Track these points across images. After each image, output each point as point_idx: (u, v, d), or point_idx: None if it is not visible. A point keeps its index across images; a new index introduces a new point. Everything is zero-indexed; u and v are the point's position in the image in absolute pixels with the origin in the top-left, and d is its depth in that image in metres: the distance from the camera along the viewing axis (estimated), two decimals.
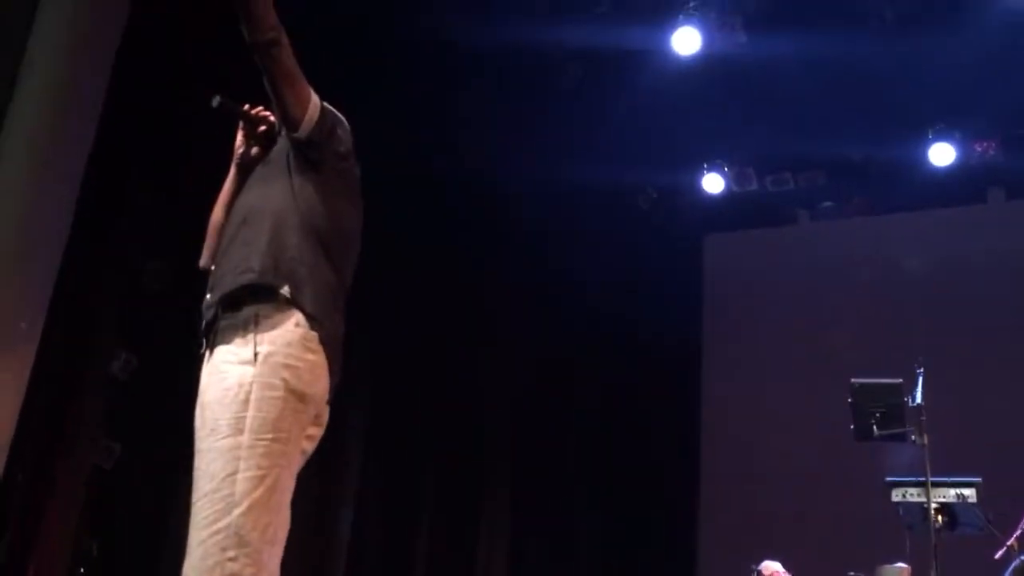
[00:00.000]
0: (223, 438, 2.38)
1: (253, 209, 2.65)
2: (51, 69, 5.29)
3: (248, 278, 2.53)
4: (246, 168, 2.86)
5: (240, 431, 2.37)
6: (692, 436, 9.52)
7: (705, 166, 9.10)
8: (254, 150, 2.88)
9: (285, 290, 2.51)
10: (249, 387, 2.41)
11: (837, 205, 9.45)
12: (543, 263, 8.75)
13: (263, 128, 2.87)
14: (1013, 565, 5.22)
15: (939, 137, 8.35)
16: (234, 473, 2.34)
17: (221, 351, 2.51)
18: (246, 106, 2.89)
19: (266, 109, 2.85)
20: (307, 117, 2.61)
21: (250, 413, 2.39)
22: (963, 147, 8.38)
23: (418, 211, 7.57)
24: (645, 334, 9.14)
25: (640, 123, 8.09)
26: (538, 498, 8.77)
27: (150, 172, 6.02)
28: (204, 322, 2.63)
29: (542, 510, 8.78)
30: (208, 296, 2.65)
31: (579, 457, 9.15)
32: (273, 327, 2.48)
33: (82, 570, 5.71)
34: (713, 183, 9.15)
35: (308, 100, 2.62)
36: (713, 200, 9.30)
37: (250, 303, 2.52)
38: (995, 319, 8.59)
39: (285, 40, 2.56)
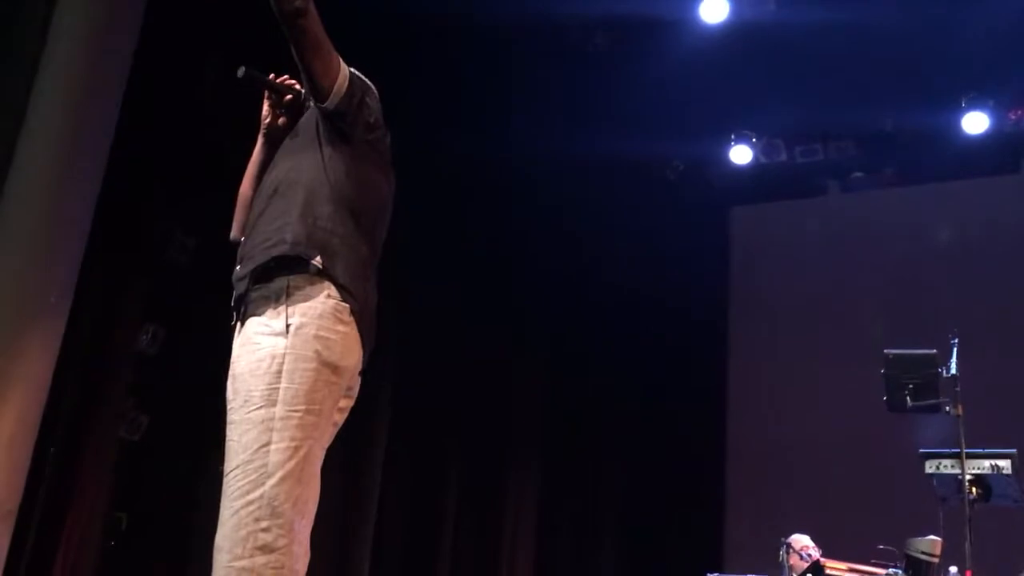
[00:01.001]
0: (256, 409, 2.36)
1: (284, 181, 2.62)
2: (81, 34, 5.27)
3: (280, 250, 2.50)
4: (273, 139, 2.84)
5: (273, 403, 2.35)
6: (719, 409, 9.48)
7: (733, 137, 8.99)
8: (281, 120, 2.84)
9: (317, 261, 2.48)
10: (282, 359, 2.39)
11: (867, 176, 9.33)
12: (568, 235, 8.70)
13: (289, 97, 2.83)
14: None
15: (972, 106, 8.22)
16: (267, 444, 2.32)
17: (252, 323, 2.49)
18: (271, 75, 2.86)
19: (292, 79, 2.82)
20: (336, 87, 2.56)
21: (283, 384, 2.37)
22: (996, 116, 8.25)
23: (442, 182, 7.52)
24: (671, 306, 9.09)
25: (667, 93, 7.99)
26: (566, 470, 8.77)
27: (178, 145, 6.00)
28: (235, 294, 2.61)
29: (570, 482, 8.79)
30: (239, 268, 2.62)
31: (605, 431, 9.13)
32: (305, 299, 2.45)
33: (112, 543, 5.75)
34: (741, 154, 9.05)
35: (337, 70, 2.57)
36: (741, 171, 9.21)
37: (281, 275, 2.49)
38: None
39: (312, 9, 2.51)
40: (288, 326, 2.42)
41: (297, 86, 2.82)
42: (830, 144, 8.82)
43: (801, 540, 6.10)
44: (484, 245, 8.07)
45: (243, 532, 2.27)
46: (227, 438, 2.40)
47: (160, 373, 5.99)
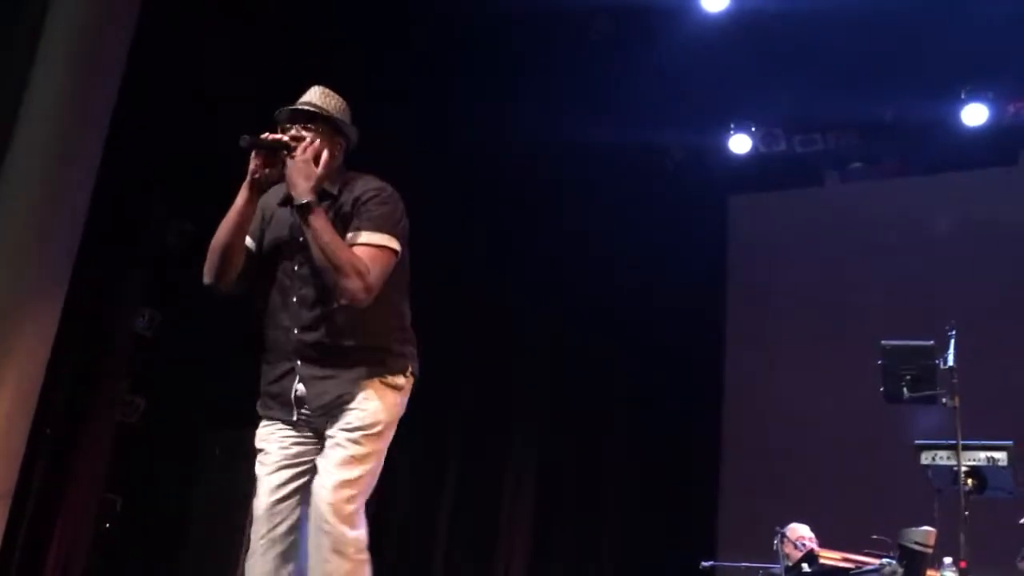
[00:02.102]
0: None
1: None
2: (80, 21, 5.24)
3: None
4: (261, 189, 3.03)
5: None
6: (715, 398, 9.49)
7: (732, 126, 8.98)
8: (268, 172, 3.01)
9: None
10: None
11: (866, 166, 9.32)
12: (566, 223, 8.69)
13: (283, 153, 2.98)
14: None
15: (972, 97, 8.21)
16: None
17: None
18: (266, 135, 2.99)
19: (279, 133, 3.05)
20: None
21: None
22: (996, 107, 8.24)
23: (440, 170, 7.50)
24: (668, 295, 9.08)
25: (667, 81, 7.97)
26: (562, 459, 8.78)
27: (174, 130, 5.98)
28: None
29: (567, 470, 8.80)
30: None
31: (601, 419, 9.13)
32: None
33: (107, 525, 5.76)
34: (740, 143, 9.04)
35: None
36: (739, 161, 9.19)
37: None
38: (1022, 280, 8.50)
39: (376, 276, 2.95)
40: None
41: (286, 139, 2.99)
42: (829, 134, 8.81)
43: (798, 530, 6.12)
44: (481, 232, 8.04)
45: None
46: None
47: (156, 357, 6.00)
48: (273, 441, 3.10)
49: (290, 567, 2.99)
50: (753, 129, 8.93)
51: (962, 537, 4.11)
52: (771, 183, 9.65)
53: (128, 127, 5.56)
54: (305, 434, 3.09)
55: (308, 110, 3.08)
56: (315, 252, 2.90)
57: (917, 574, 4.91)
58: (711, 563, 6.72)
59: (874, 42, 7.58)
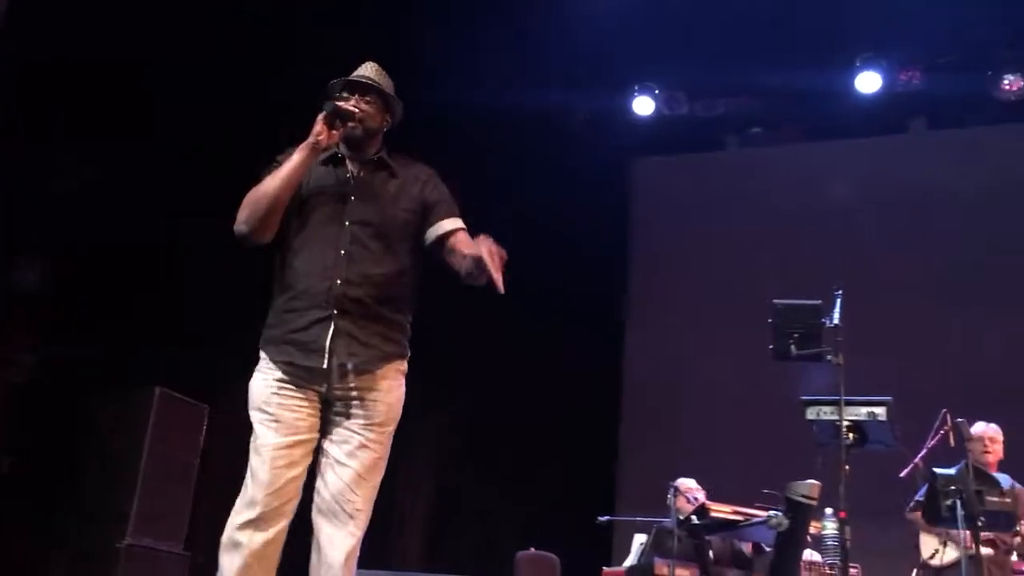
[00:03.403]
0: None
1: None
2: None
3: None
4: (319, 152, 3.14)
5: None
6: (615, 358, 9.64)
7: (636, 88, 9.04)
8: (333, 137, 3.14)
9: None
10: None
11: (766, 131, 9.51)
12: (469, 183, 8.65)
13: (345, 122, 3.14)
14: (923, 489, 5.39)
15: (867, 65, 8.41)
16: None
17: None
18: (341, 103, 3.15)
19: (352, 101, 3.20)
20: None
21: None
22: (889, 76, 8.45)
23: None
24: (571, 256, 9.15)
25: (570, 43, 7.97)
26: (460, 414, 8.82)
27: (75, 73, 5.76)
28: None
29: (464, 426, 8.84)
30: None
31: (501, 377, 9.17)
32: None
33: None
34: (643, 105, 9.12)
35: None
36: (643, 124, 9.27)
37: None
38: (911, 245, 8.82)
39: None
40: None
41: (354, 109, 3.17)
42: (730, 99, 8.95)
43: (688, 483, 6.28)
44: None
45: None
46: None
47: (47, 313, 5.82)
48: (285, 409, 2.99)
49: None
50: (656, 92, 9.00)
51: (842, 489, 4.26)
52: (675, 147, 9.78)
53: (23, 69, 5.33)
54: (312, 401, 3.03)
55: (366, 83, 3.27)
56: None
57: (802, 525, 5.10)
58: (607, 518, 6.85)
59: (775, 9, 7.70)
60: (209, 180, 6.44)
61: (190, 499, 5.94)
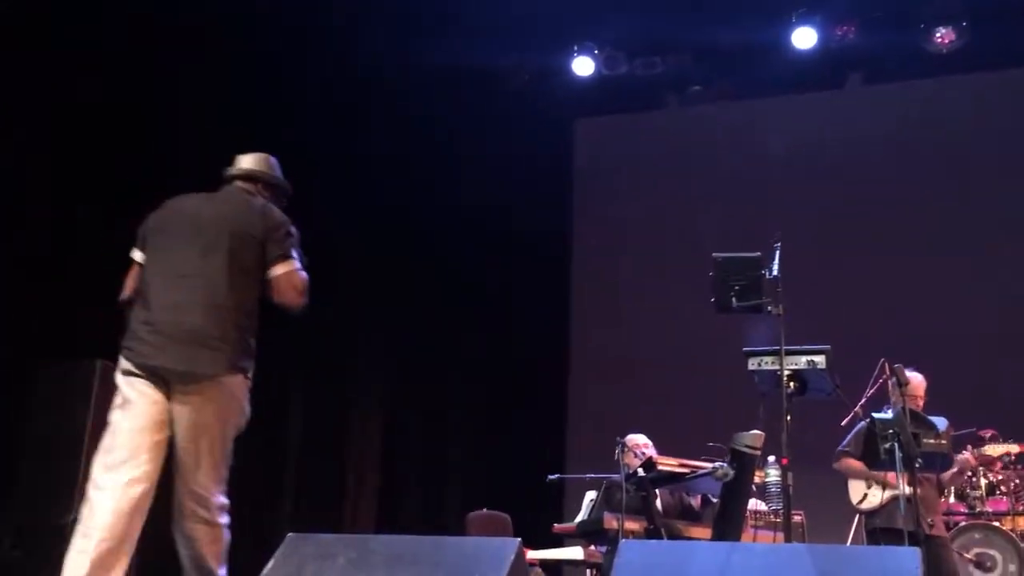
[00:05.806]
0: None
1: None
2: None
3: None
4: None
5: None
6: (562, 317, 9.69)
7: (576, 48, 9.02)
8: None
9: None
10: None
11: (705, 90, 9.54)
12: (411, 145, 8.62)
13: None
14: (857, 428, 5.54)
15: (802, 21, 8.47)
16: None
17: None
18: None
19: None
20: None
21: None
22: (824, 31, 8.52)
23: (274, 95, 7.30)
24: (515, 217, 9.16)
25: (507, 2, 7.91)
26: (410, 380, 8.82)
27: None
28: None
29: (412, 387, 8.84)
30: None
31: (447, 338, 9.19)
32: None
33: None
34: (583, 65, 9.10)
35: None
36: (584, 83, 9.26)
37: None
38: (848, 198, 8.96)
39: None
40: None
41: None
42: (668, 57, 8.97)
43: (635, 439, 6.33)
44: (319, 159, 7.86)
45: None
46: None
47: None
48: None
49: None
50: (596, 51, 8.99)
51: (784, 437, 4.34)
52: (616, 106, 9.79)
53: None
54: None
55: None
56: None
57: (747, 474, 5.19)
58: (557, 476, 6.91)
59: None
60: (148, 151, 6.34)
61: None
